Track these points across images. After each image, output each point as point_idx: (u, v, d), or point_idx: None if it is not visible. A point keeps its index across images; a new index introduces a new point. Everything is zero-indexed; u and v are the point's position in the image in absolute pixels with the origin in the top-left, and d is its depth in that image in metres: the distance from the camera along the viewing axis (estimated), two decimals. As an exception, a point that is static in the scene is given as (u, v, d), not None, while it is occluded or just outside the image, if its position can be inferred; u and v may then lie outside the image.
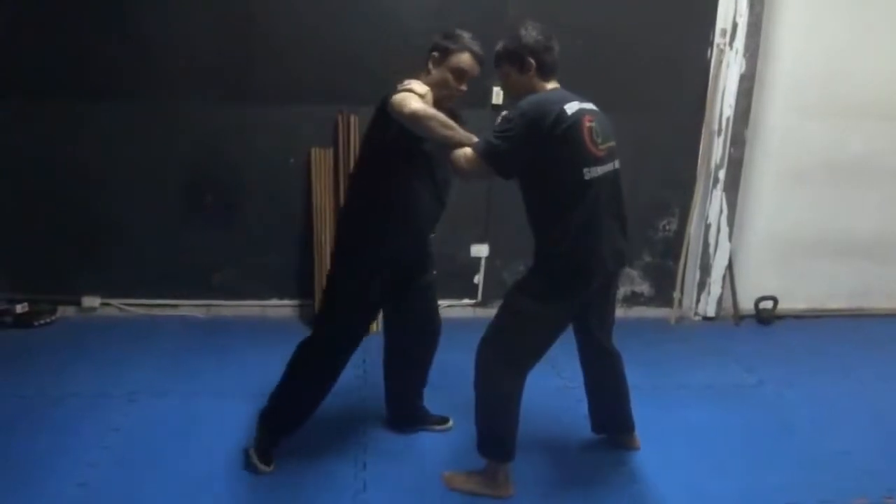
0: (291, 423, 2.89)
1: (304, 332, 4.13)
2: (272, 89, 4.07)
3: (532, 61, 2.53)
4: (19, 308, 4.12)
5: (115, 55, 3.97)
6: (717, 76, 4.30)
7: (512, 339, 2.62)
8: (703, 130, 4.40)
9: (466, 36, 2.66)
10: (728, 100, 4.30)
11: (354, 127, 4.06)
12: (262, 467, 2.81)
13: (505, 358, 2.62)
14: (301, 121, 4.12)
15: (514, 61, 2.56)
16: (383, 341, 3.15)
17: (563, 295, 2.58)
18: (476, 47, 2.65)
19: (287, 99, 4.07)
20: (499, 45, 2.60)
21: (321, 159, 4.12)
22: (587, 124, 2.47)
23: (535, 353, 2.66)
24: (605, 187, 2.55)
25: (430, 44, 2.70)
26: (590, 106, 2.55)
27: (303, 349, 2.92)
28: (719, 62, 4.28)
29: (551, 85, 2.59)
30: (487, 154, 2.42)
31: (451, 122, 2.48)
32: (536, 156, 2.42)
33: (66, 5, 3.89)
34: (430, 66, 2.68)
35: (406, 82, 2.55)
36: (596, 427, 3.10)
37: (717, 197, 4.44)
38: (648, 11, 4.18)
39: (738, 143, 4.38)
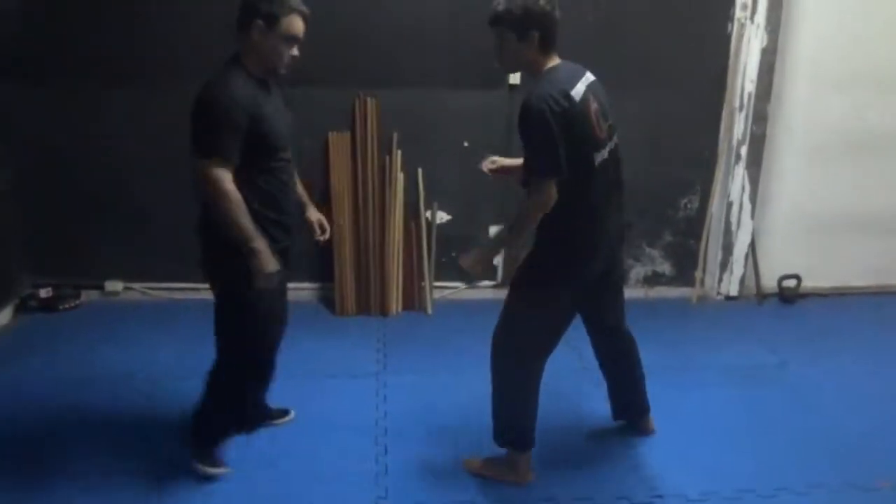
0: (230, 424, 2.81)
1: (324, 314, 4.23)
2: (290, 73, 4.04)
3: (536, 34, 2.35)
4: (44, 292, 4.17)
5: (139, 42, 3.97)
6: (737, 51, 4.22)
7: (525, 326, 2.58)
8: (725, 106, 4.33)
9: None
10: (749, 75, 4.23)
11: (372, 110, 4.05)
12: (212, 471, 2.71)
13: (520, 346, 2.59)
14: (319, 104, 4.11)
15: (516, 28, 2.36)
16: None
17: (571, 275, 2.53)
18: (303, 6, 2.46)
19: (305, 82, 4.05)
20: (499, 5, 2.37)
21: (339, 143, 4.12)
22: (593, 107, 2.40)
23: (551, 338, 2.63)
24: (609, 166, 2.51)
25: (246, 2, 2.43)
26: (590, 79, 2.44)
27: None
28: (740, 37, 4.20)
29: (553, 61, 2.43)
30: (549, 172, 2.33)
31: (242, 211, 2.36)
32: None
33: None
34: (255, 35, 2.40)
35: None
36: (616, 413, 3.07)
37: (740, 174, 4.38)
38: (668, -13, 4.12)
39: (761, 118, 4.31)
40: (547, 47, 2.41)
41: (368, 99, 4.06)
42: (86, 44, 3.97)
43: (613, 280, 2.80)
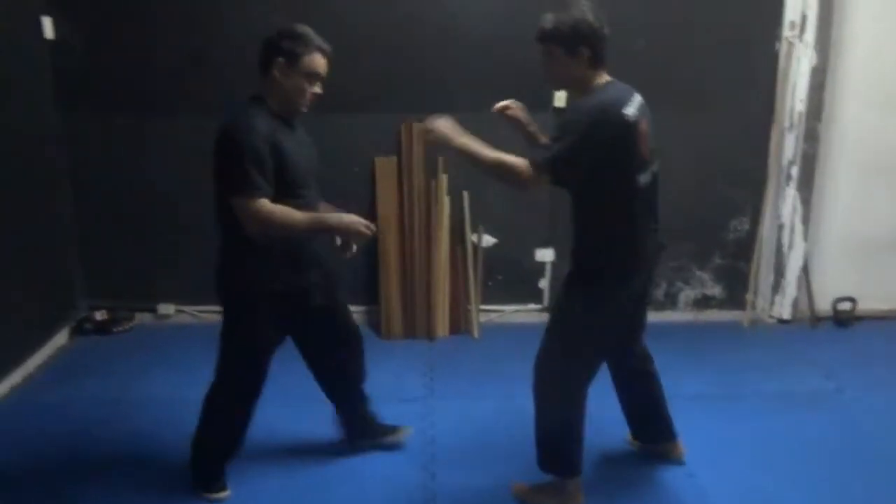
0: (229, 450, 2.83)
1: (370, 338, 4.24)
2: (337, 99, 4.09)
3: (586, 50, 2.34)
4: (99, 315, 4.28)
5: (192, 75, 4.09)
6: (786, 70, 4.16)
7: (569, 351, 2.55)
8: (774, 126, 4.27)
9: (311, 33, 2.49)
10: (799, 94, 4.16)
11: (418, 135, 4.08)
12: (215, 496, 2.76)
13: (564, 372, 2.56)
14: (365, 130, 4.17)
15: (565, 45, 2.34)
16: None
17: (613, 298, 2.50)
18: (325, 45, 2.50)
19: (352, 108, 4.12)
20: (548, 21, 2.36)
21: (385, 167, 4.15)
22: (643, 128, 2.38)
23: (595, 362, 2.60)
24: (651, 190, 2.49)
25: (268, 41, 2.51)
26: (640, 100, 2.42)
27: None
28: (789, 56, 4.14)
29: (603, 78, 2.42)
30: (547, 166, 2.31)
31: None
32: (594, 163, 2.32)
33: (141, 25, 4.03)
34: (277, 73, 2.46)
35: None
36: (635, 434, 3.03)
37: (790, 195, 4.31)
38: (714, 6, 4.08)
39: (811, 138, 4.24)
40: (596, 64, 2.39)
41: (415, 123, 4.09)
42: (142, 76, 4.09)
43: (645, 302, 2.79)
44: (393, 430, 3.10)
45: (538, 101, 3.82)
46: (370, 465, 2.97)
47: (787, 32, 4.13)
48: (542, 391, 2.61)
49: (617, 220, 2.43)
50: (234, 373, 2.69)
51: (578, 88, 2.44)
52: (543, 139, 2.55)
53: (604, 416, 3.04)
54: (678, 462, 2.97)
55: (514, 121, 2.71)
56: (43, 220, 4.02)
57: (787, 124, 4.23)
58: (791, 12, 4.10)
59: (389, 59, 4.08)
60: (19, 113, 3.80)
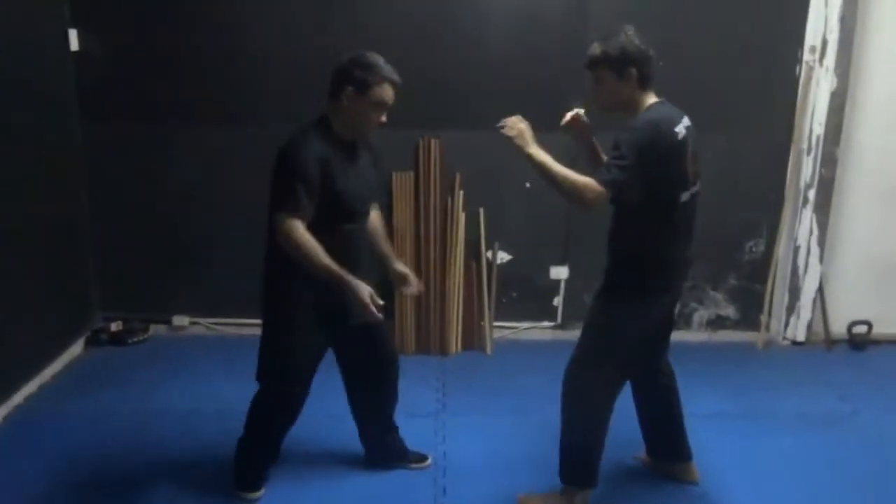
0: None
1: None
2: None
3: (635, 71, 2.43)
4: (114, 326, 4.29)
5: (208, 87, 4.13)
6: (806, 94, 4.17)
7: (603, 360, 2.58)
8: (792, 149, 4.27)
9: (381, 63, 2.54)
10: (818, 117, 4.17)
11: (436, 151, 4.10)
12: (249, 495, 2.82)
13: (598, 381, 2.59)
14: (383, 145, 4.17)
15: (614, 68, 2.43)
16: None
17: (646, 312, 2.56)
18: (395, 75, 2.55)
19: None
20: (596, 49, 2.45)
21: (402, 183, 4.17)
22: (691, 148, 2.44)
23: (624, 375, 2.64)
24: (689, 208, 2.53)
25: (339, 68, 2.56)
26: (688, 121, 2.48)
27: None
28: (808, 79, 4.15)
29: (652, 98, 2.49)
30: (612, 186, 2.35)
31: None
32: (647, 180, 2.37)
33: (166, 34, 4.07)
34: (345, 101, 2.51)
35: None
36: (650, 450, 3.03)
37: (807, 217, 4.30)
38: (734, 29, 4.09)
39: (829, 162, 4.23)
40: (645, 84, 2.47)
41: (432, 140, 4.11)
42: (158, 87, 4.13)
43: (672, 318, 2.85)
44: (417, 457, 3.09)
45: (554, 122, 3.86)
46: (382, 480, 2.98)
47: (807, 56, 4.13)
48: (570, 401, 2.63)
49: (656, 237, 2.49)
50: (274, 384, 2.75)
51: (629, 110, 2.49)
52: (603, 156, 2.62)
53: (617, 435, 3.04)
54: (692, 484, 2.96)
55: (582, 132, 2.73)
56: (60, 230, 4.05)
57: (805, 147, 4.22)
58: (812, 37, 4.11)
59: (407, 74, 4.04)
60: (42, 124, 3.84)
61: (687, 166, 2.43)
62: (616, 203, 2.46)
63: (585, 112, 2.69)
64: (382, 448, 3.05)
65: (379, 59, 2.53)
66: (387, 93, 2.52)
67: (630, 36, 2.43)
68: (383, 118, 2.56)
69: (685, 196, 2.47)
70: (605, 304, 2.60)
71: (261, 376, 2.77)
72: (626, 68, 2.42)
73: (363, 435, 3.06)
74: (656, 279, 2.53)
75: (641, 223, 2.49)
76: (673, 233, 2.51)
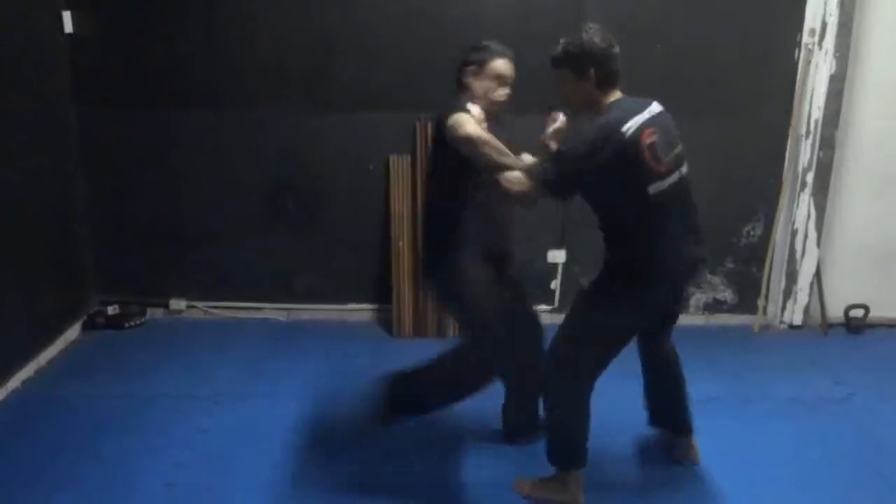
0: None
1: (381, 336, 4.25)
2: (352, 97, 4.13)
3: (592, 71, 2.44)
4: (111, 310, 4.28)
5: (203, 66, 4.10)
6: (804, 78, 4.15)
7: (581, 347, 2.60)
8: (790, 133, 4.25)
9: (494, 43, 2.77)
10: (817, 102, 4.15)
11: (433, 133, 4.07)
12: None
13: (575, 365, 2.60)
14: (380, 128, 4.17)
15: (574, 67, 2.47)
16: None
17: (632, 307, 2.57)
18: (508, 51, 2.77)
19: (367, 107, 4.13)
20: (558, 47, 2.50)
21: (399, 166, 4.16)
22: (647, 141, 2.38)
23: (604, 360, 2.63)
24: (672, 198, 2.49)
25: (458, 64, 2.80)
26: (651, 113, 2.44)
27: None
28: (807, 63, 4.13)
29: (613, 97, 2.49)
30: (543, 180, 2.41)
31: (504, 149, 2.52)
32: (597, 180, 2.41)
33: (158, 18, 4.04)
34: (470, 80, 2.75)
35: (463, 103, 2.62)
36: (652, 420, 3.07)
37: (805, 202, 4.29)
38: (732, 13, 4.06)
39: (828, 146, 4.22)
40: (605, 84, 2.47)
41: (429, 122, 4.09)
42: (156, 69, 4.11)
43: (676, 309, 2.84)
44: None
45: (551, 106, 3.85)
46: (381, 460, 2.99)
47: (806, 39, 4.11)
48: (555, 381, 2.66)
49: (634, 227, 2.50)
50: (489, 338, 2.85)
51: (590, 110, 2.50)
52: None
53: (616, 419, 3.06)
54: (693, 462, 2.98)
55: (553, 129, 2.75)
56: (56, 214, 4.03)
57: (803, 131, 4.21)
58: (811, 19, 4.08)
59: (404, 56, 4.08)
60: (37, 106, 3.82)
61: (647, 162, 2.39)
62: (596, 210, 2.54)
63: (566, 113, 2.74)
64: (519, 421, 3.13)
65: (492, 42, 2.78)
66: (503, 65, 2.74)
67: (591, 33, 2.45)
68: (507, 90, 2.75)
69: (656, 188, 2.42)
70: (591, 296, 2.64)
71: (477, 340, 2.89)
72: (587, 69, 2.44)
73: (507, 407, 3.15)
74: (645, 273, 2.51)
75: (620, 220, 2.51)
76: (655, 225, 2.47)
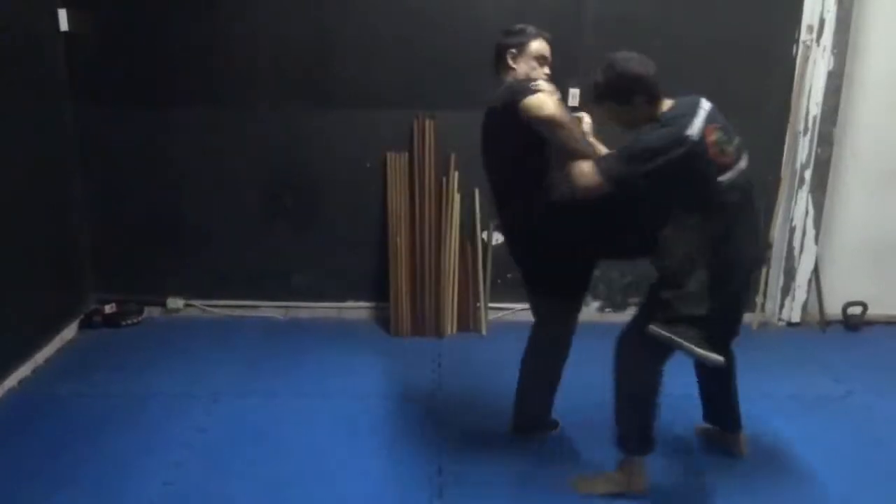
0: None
1: (379, 335, 4.24)
2: (350, 94, 4.12)
3: (640, 97, 2.48)
4: (108, 308, 4.27)
5: (200, 63, 4.09)
6: (803, 74, 4.14)
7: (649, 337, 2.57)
8: (788, 130, 4.25)
9: (528, 26, 2.81)
10: (815, 98, 4.14)
11: (431, 131, 4.07)
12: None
13: (648, 351, 2.58)
14: (378, 125, 4.16)
15: (618, 98, 2.51)
16: None
17: (712, 295, 2.54)
18: (545, 32, 2.81)
19: (365, 104, 4.12)
20: (596, 87, 2.54)
21: (397, 163, 4.15)
22: (711, 139, 2.42)
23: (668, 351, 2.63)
24: (739, 192, 2.51)
25: (497, 45, 2.83)
26: (705, 110, 2.48)
27: None
28: (806, 59, 4.12)
29: (664, 106, 2.52)
30: (610, 177, 2.41)
31: (581, 135, 2.54)
32: (665, 182, 2.41)
33: (157, 14, 4.02)
34: (511, 63, 2.77)
35: (532, 84, 2.57)
36: (705, 417, 3.11)
37: (803, 198, 4.29)
38: (731, 9, 4.06)
39: (826, 142, 4.22)
40: (652, 101, 2.51)
41: (427, 120, 4.09)
42: (154, 66, 4.09)
43: (739, 307, 2.90)
44: (553, 423, 3.20)
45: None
46: (377, 460, 2.97)
47: (804, 36, 4.10)
48: (626, 368, 2.66)
49: (701, 225, 2.47)
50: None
51: (646, 123, 2.52)
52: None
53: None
54: (739, 455, 3.02)
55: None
56: (53, 212, 4.02)
57: (801, 128, 4.21)
58: (809, 16, 4.08)
59: (402, 53, 4.07)
60: (33, 105, 3.80)
61: (713, 159, 2.42)
62: (621, 194, 2.48)
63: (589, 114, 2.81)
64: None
65: (527, 25, 2.82)
66: (542, 46, 2.79)
67: (623, 63, 2.49)
68: (547, 70, 2.78)
69: (725, 180, 2.45)
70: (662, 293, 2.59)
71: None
72: (632, 97, 2.49)
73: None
74: (714, 280, 2.50)
75: (689, 221, 2.47)
76: (725, 225, 2.48)
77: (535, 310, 3.00)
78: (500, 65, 2.82)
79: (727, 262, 2.51)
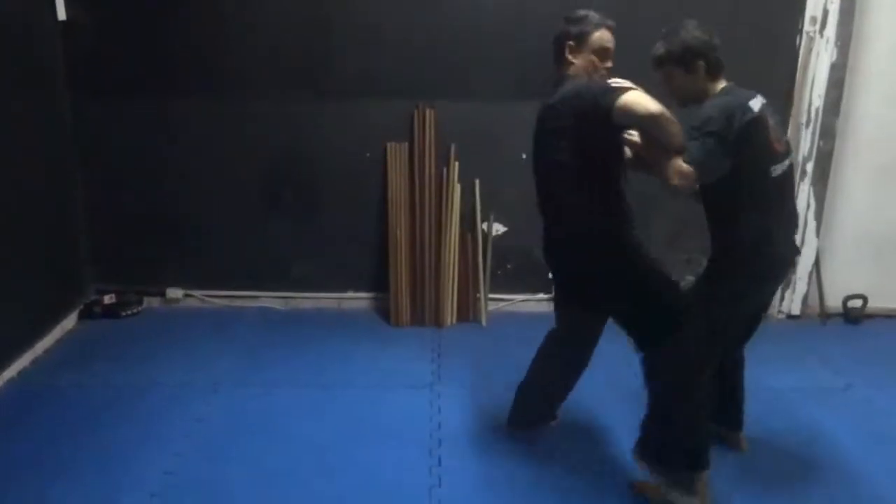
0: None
1: (379, 325, 4.23)
2: (350, 84, 4.11)
3: (701, 63, 2.50)
4: (108, 299, 4.27)
5: (199, 54, 4.08)
6: (805, 66, 4.12)
7: (703, 347, 2.53)
8: (791, 121, 4.23)
9: (593, 13, 2.59)
10: (818, 90, 4.12)
11: (431, 121, 4.06)
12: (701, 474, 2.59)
13: (697, 367, 2.52)
14: (378, 115, 4.14)
15: (679, 63, 2.52)
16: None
17: (750, 294, 2.59)
18: (607, 21, 2.60)
19: (364, 94, 4.10)
20: (659, 48, 2.55)
21: (397, 154, 4.13)
22: (770, 122, 2.47)
23: (722, 353, 2.67)
24: (786, 183, 2.55)
25: (557, 33, 2.61)
26: (761, 101, 2.50)
27: None
28: (808, 51, 4.10)
29: (722, 84, 2.54)
30: (700, 168, 2.35)
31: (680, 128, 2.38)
32: (728, 155, 2.40)
33: (153, 4, 4.00)
34: (569, 55, 2.58)
35: (614, 81, 2.43)
36: (711, 416, 3.01)
37: (805, 191, 4.27)
38: (734, 0, 4.03)
39: (828, 135, 4.20)
40: (713, 73, 2.54)
41: (427, 109, 4.07)
42: (152, 57, 4.07)
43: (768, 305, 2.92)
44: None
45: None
46: (376, 450, 2.98)
47: (807, 27, 4.08)
48: (675, 386, 2.54)
49: (752, 211, 2.50)
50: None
51: (701, 100, 2.53)
52: None
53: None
54: (740, 451, 3.01)
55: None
56: (52, 202, 4.01)
57: (803, 120, 4.19)
58: (812, 7, 4.05)
59: (402, 43, 4.06)
60: (30, 96, 3.79)
61: (771, 140, 2.46)
62: (707, 190, 2.50)
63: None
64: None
65: (589, 11, 2.60)
66: (605, 36, 2.58)
67: (690, 29, 2.51)
68: (609, 63, 2.60)
69: (776, 169, 2.48)
70: (706, 292, 2.62)
71: (660, 336, 2.53)
72: (693, 61, 2.50)
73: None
74: (762, 268, 2.53)
75: (741, 206, 2.50)
76: (773, 214, 2.52)
77: (565, 319, 2.89)
78: (559, 56, 2.62)
79: (768, 261, 2.53)
